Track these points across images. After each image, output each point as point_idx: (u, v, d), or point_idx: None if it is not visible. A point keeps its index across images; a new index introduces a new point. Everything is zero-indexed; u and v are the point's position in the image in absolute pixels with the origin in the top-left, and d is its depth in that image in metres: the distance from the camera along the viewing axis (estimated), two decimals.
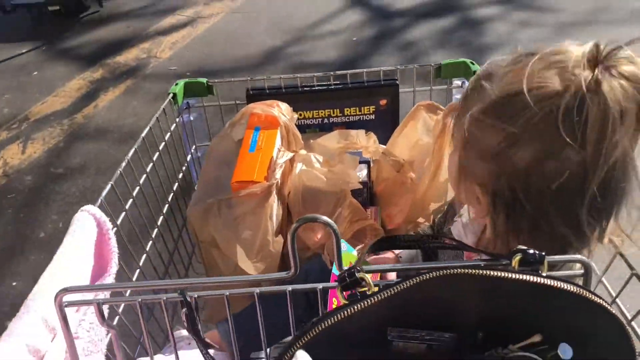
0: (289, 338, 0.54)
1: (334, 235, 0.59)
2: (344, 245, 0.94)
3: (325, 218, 0.58)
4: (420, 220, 1.13)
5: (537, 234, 0.67)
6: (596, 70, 0.59)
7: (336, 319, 0.50)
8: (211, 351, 0.83)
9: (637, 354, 0.53)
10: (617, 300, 0.72)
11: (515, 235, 0.69)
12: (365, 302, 0.50)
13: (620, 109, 0.59)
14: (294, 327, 0.65)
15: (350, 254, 0.93)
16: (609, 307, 0.52)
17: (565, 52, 0.63)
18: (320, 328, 0.50)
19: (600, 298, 0.52)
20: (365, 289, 0.52)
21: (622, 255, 0.72)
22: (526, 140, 0.63)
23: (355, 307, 0.50)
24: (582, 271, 0.61)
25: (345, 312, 0.50)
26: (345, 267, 0.58)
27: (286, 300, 0.63)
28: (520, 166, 0.64)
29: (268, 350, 0.68)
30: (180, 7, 4.14)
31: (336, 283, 0.54)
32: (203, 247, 1.12)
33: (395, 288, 0.50)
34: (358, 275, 0.52)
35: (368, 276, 0.53)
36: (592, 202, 0.63)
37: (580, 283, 0.61)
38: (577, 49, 0.62)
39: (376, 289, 0.52)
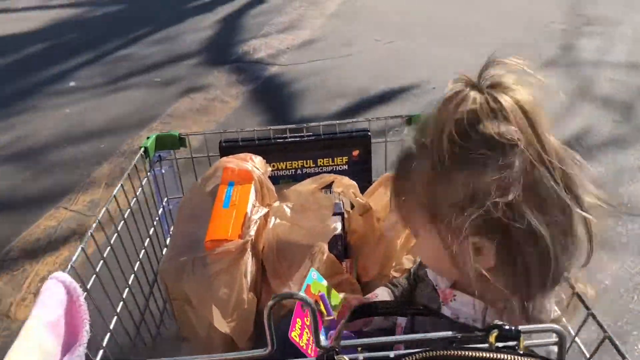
0: None
1: (311, 312, 0.58)
2: (315, 274, 0.94)
3: (302, 295, 0.58)
4: (394, 274, 1.13)
5: (516, 271, 0.68)
6: None
7: None
8: None
9: None
10: None
11: (500, 274, 0.69)
12: None
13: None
14: None
15: (319, 284, 0.94)
16: None
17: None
18: None
19: None
20: None
21: (578, 295, 0.74)
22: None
23: None
24: (556, 339, 0.62)
25: None
26: (324, 343, 0.57)
27: None
28: (485, 193, 0.66)
29: None
30: None
31: None
32: (176, 305, 1.10)
33: None
34: (337, 358, 0.52)
35: (346, 358, 0.52)
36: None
37: (556, 350, 0.62)
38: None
39: None
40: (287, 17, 3.96)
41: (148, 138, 1.25)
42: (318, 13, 4.01)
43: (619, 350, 0.65)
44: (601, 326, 0.71)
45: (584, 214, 0.67)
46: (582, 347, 0.76)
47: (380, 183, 1.24)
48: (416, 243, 0.79)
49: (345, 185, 1.25)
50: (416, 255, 1.07)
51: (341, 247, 1.20)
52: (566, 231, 0.67)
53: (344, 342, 0.58)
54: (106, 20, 4.15)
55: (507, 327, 0.54)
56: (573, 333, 0.77)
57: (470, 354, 0.50)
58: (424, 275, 0.91)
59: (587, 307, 0.73)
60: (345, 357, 0.52)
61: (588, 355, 0.74)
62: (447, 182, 0.67)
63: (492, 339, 0.54)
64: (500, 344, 0.54)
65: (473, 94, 0.66)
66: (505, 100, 0.66)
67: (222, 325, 1.01)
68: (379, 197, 1.22)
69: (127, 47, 3.62)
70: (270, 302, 0.58)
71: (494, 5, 3.98)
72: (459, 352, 0.51)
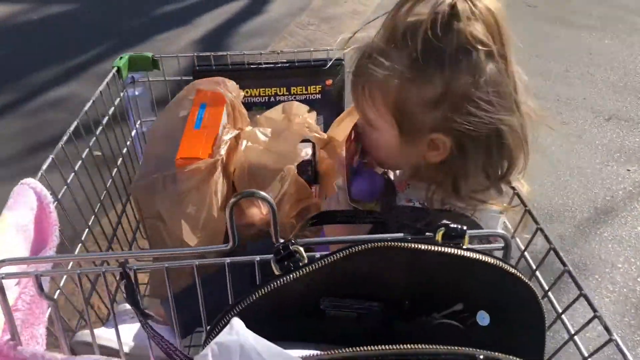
0: None
1: (271, 209, 0.61)
2: None
3: (262, 193, 0.61)
4: None
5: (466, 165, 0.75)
6: None
7: (270, 288, 0.53)
8: (153, 323, 0.85)
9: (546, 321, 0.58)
10: (537, 272, 0.78)
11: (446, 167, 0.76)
12: (298, 273, 0.53)
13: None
14: (232, 299, 0.67)
15: None
16: (523, 277, 0.57)
17: None
18: (254, 297, 0.52)
19: (516, 269, 0.56)
20: (299, 260, 0.55)
21: (530, 212, 0.79)
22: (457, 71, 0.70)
23: (288, 278, 0.53)
24: (502, 244, 0.66)
25: (279, 282, 0.53)
26: (282, 241, 0.60)
27: (232, 276, 0.65)
28: (460, 93, 0.70)
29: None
30: None
31: (271, 255, 0.57)
32: (148, 223, 1.13)
33: (325, 260, 0.53)
34: (292, 247, 0.55)
35: (302, 249, 0.55)
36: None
37: (501, 255, 0.66)
38: None
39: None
40: None
41: (121, 58, 1.24)
42: None
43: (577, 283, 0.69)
44: (535, 219, 0.75)
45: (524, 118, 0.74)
46: (530, 261, 0.80)
47: (349, 112, 1.25)
48: (370, 138, 0.81)
49: (301, 123, 1.26)
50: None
51: (311, 172, 1.23)
52: (512, 132, 0.73)
53: (300, 241, 0.61)
54: None
55: (453, 225, 0.57)
56: (522, 247, 0.82)
57: (415, 245, 0.54)
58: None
59: (536, 222, 0.77)
60: (300, 248, 0.55)
61: (534, 267, 0.78)
62: (422, 80, 0.70)
63: (438, 236, 0.57)
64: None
65: (462, 3, 0.68)
66: (481, 3, 0.68)
67: (192, 240, 1.04)
68: (346, 128, 1.24)
69: None
70: (232, 200, 0.60)
71: None
72: (405, 244, 0.54)
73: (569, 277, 0.68)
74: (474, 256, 0.54)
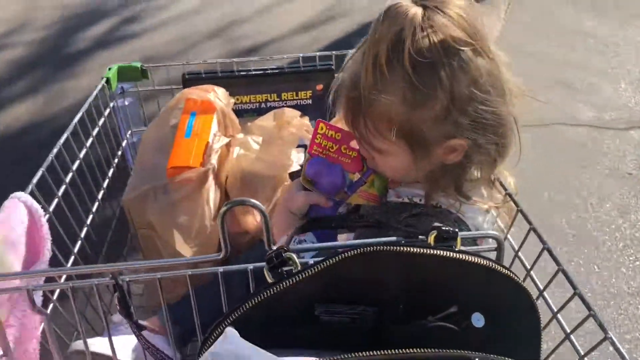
0: None
1: (263, 217, 0.61)
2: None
3: (253, 201, 0.61)
4: None
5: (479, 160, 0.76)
6: None
7: (263, 297, 0.52)
8: (150, 334, 0.84)
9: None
10: (531, 273, 0.78)
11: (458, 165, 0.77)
12: (291, 280, 0.53)
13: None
14: (226, 308, 0.67)
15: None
16: (516, 278, 0.56)
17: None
18: (248, 306, 0.52)
19: (509, 270, 0.56)
20: (292, 268, 0.55)
21: (522, 212, 0.80)
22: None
23: (281, 285, 0.53)
24: (495, 245, 0.66)
25: (271, 290, 0.53)
26: (274, 247, 0.60)
27: (227, 286, 0.65)
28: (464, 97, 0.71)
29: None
30: None
31: (264, 263, 0.56)
32: (140, 234, 1.12)
33: (318, 266, 0.53)
34: (285, 255, 0.55)
35: (294, 256, 0.55)
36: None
37: (494, 256, 0.66)
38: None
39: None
40: None
41: (109, 69, 1.24)
42: None
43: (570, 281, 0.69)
44: (542, 239, 0.75)
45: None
46: (524, 260, 0.80)
47: (341, 118, 1.26)
48: (382, 164, 0.80)
49: (299, 125, 1.27)
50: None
51: None
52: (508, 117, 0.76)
53: (293, 247, 0.61)
54: None
55: (445, 228, 0.57)
56: (516, 247, 0.82)
57: (408, 249, 0.54)
58: None
59: (529, 222, 0.77)
60: (293, 255, 0.55)
61: (529, 267, 0.79)
62: (424, 99, 0.70)
63: (431, 239, 0.57)
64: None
65: (414, 9, 0.68)
66: (451, 11, 0.69)
67: (186, 250, 1.04)
68: None
69: None
70: (223, 209, 0.60)
71: None
72: (398, 248, 0.54)
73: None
74: (467, 258, 0.54)
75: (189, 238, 1.03)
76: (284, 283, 0.53)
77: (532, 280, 0.78)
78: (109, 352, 0.79)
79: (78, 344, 0.87)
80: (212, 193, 1.06)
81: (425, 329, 0.56)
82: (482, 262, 0.55)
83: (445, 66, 0.68)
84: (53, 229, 0.88)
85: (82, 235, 1.04)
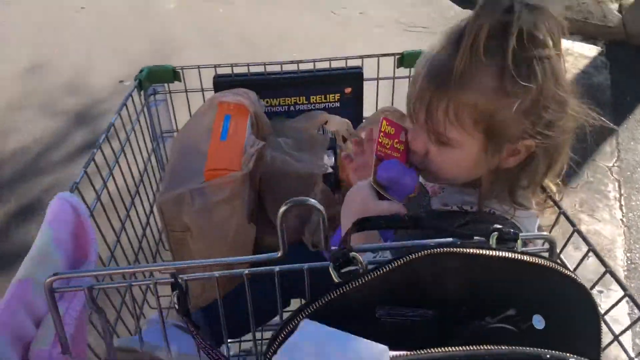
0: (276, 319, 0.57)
1: (322, 218, 0.62)
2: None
3: (313, 201, 0.62)
4: None
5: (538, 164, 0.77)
6: None
7: (333, 296, 0.53)
8: (179, 331, 0.85)
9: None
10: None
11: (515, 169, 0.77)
12: (357, 282, 0.54)
13: None
14: (281, 306, 0.68)
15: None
16: (577, 278, 0.57)
17: None
18: (319, 304, 0.53)
19: (571, 271, 0.57)
20: (357, 267, 0.56)
21: (565, 214, 0.81)
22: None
23: (349, 286, 0.53)
24: (547, 246, 0.67)
25: (340, 290, 0.53)
26: (335, 247, 0.61)
27: (267, 283, 0.66)
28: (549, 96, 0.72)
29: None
30: None
31: (329, 262, 0.57)
32: (173, 236, 1.13)
33: (384, 268, 0.54)
34: (351, 255, 0.56)
35: (359, 256, 0.56)
36: None
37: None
38: None
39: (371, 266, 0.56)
40: None
41: (142, 71, 1.25)
42: None
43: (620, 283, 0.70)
44: (587, 241, 0.76)
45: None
46: (565, 261, 0.81)
47: (371, 122, 1.27)
48: (440, 157, 0.80)
49: (338, 123, 1.28)
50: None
51: (333, 180, 1.24)
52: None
53: (356, 247, 0.62)
54: None
55: (506, 229, 0.58)
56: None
57: (470, 250, 0.54)
58: None
59: (572, 225, 0.78)
60: (358, 255, 0.56)
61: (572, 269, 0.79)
62: (516, 92, 0.71)
63: (492, 241, 0.58)
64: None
65: (519, 3, 0.70)
66: (546, 13, 0.71)
67: (222, 253, 1.04)
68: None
69: None
70: (282, 208, 0.61)
71: None
72: (461, 249, 0.54)
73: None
74: (530, 259, 0.55)
75: (226, 242, 1.03)
76: (351, 284, 0.53)
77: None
78: (154, 350, 0.80)
79: (120, 341, 0.88)
80: (247, 196, 1.07)
81: (485, 330, 0.57)
82: (545, 264, 0.56)
83: (541, 61, 0.70)
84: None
85: (120, 236, 1.05)
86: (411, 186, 0.82)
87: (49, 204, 0.84)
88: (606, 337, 0.70)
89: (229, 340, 0.92)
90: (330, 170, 1.16)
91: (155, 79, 1.27)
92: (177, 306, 0.63)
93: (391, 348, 0.53)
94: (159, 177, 1.32)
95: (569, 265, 0.81)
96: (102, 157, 0.99)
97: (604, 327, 0.72)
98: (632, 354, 0.67)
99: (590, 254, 0.75)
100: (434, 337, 0.57)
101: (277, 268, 0.64)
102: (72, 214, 0.84)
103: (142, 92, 1.23)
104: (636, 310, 0.66)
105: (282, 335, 0.52)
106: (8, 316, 0.68)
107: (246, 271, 0.64)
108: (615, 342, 0.70)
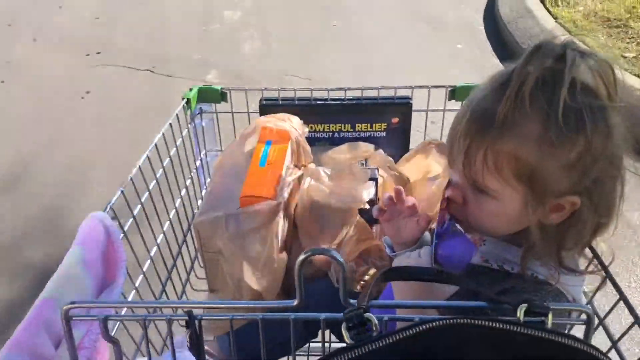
0: None
1: (342, 269, 0.59)
2: None
3: (333, 252, 0.59)
4: None
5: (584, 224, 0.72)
6: None
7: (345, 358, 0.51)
8: None
9: None
10: (618, 344, 0.73)
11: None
12: (370, 346, 0.51)
13: None
14: (294, 351, 0.66)
15: None
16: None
17: None
18: None
19: (598, 350, 0.52)
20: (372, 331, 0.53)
21: (612, 279, 0.76)
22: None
23: (361, 350, 0.51)
24: (585, 318, 0.62)
25: (352, 353, 0.51)
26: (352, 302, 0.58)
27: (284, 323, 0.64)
28: (598, 151, 0.68)
29: None
30: None
31: (342, 317, 0.54)
32: (208, 256, 1.13)
33: (399, 335, 0.51)
34: (366, 316, 0.53)
35: (374, 318, 0.53)
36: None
37: (583, 329, 0.62)
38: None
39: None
40: None
41: (191, 89, 1.26)
42: None
43: None
44: (632, 310, 0.70)
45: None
46: (609, 329, 0.75)
47: (418, 151, 1.23)
48: (480, 208, 0.76)
49: (380, 160, 1.25)
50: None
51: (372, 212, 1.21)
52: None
53: (374, 303, 0.59)
54: None
55: (536, 302, 0.54)
56: (602, 315, 0.77)
57: (495, 325, 0.51)
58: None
59: (619, 292, 0.72)
60: (373, 316, 0.53)
61: (615, 339, 0.74)
62: (562, 144, 0.67)
63: (520, 314, 0.54)
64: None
65: (573, 52, 0.67)
66: (607, 61, 0.68)
67: (252, 281, 1.03)
68: (416, 165, 1.22)
69: None
70: (301, 257, 0.59)
71: None
72: (485, 322, 0.51)
73: None
74: (558, 339, 0.51)
75: (257, 269, 1.02)
76: (364, 348, 0.51)
77: (618, 353, 0.73)
78: None
79: None
80: (281, 225, 1.06)
81: None
82: (571, 343, 0.51)
83: (592, 112, 0.66)
84: (124, 247, 0.89)
85: (152, 254, 1.06)
86: (468, 257, 0.80)
87: (82, 224, 0.85)
88: None
89: None
90: (367, 206, 1.13)
91: (203, 98, 1.29)
92: (189, 344, 0.62)
93: None
94: (201, 195, 1.33)
95: (612, 334, 0.76)
96: (141, 175, 1.01)
97: None
98: None
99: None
100: None
101: (292, 315, 0.62)
102: (103, 234, 0.85)
103: (188, 111, 1.25)
104: None
105: None
106: (28, 336, 0.69)
107: (261, 316, 0.63)
108: None
